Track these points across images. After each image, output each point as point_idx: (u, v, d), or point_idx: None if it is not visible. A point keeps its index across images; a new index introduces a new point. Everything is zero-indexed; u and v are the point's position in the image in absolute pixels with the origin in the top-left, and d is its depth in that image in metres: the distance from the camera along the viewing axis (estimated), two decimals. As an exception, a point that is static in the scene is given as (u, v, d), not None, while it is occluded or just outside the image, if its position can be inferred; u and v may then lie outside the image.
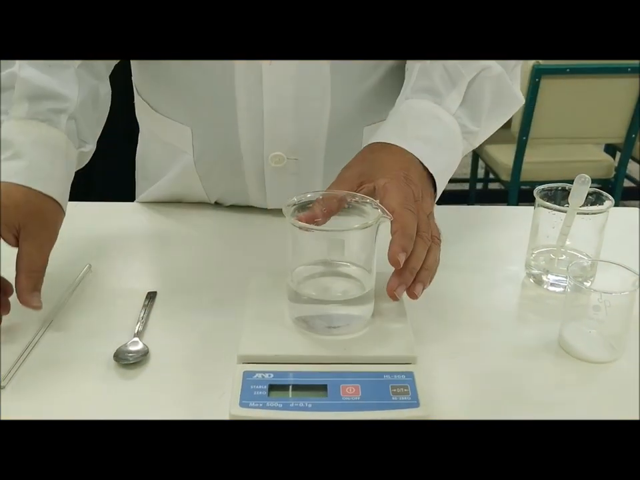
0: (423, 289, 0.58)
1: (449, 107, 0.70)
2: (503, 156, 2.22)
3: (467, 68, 0.71)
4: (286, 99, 0.75)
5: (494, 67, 0.72)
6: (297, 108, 0.76)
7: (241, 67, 0.73)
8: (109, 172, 1.64)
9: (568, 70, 1.92)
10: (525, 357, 0.60)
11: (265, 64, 0.72)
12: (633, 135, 2.11)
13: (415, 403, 0.51)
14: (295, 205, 0.58)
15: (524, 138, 2.05)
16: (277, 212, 0.83)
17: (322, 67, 0.74)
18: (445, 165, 0.67)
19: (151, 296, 0.67)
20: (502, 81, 0.73)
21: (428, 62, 0.72)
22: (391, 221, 0.56)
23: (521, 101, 0.77)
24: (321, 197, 0.59)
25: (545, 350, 0.61)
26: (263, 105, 0.75)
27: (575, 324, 0.60)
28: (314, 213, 0.57)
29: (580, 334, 0.60)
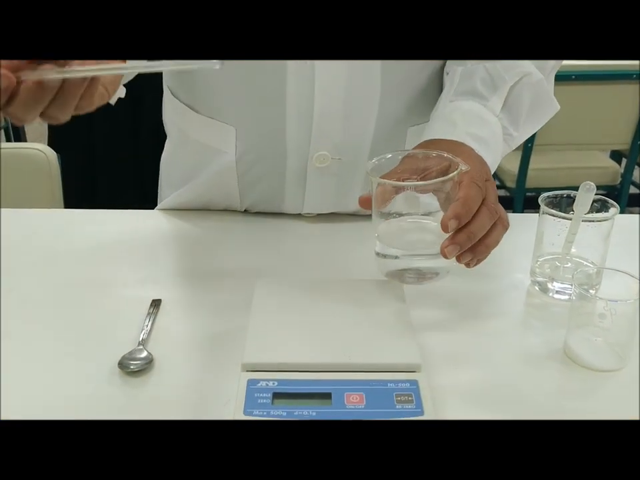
0: (476, 263, 0.60)
1: (492, 108, 0.71)
2: (508, 162, 2.21)
3: (510, 73, 0.72)
4: (337, 98, 0.75)
5: (535, 73, 0.73)
6: (347, 107, 0.76)
7: (293, 66, 0.73)
8: (113, 177, 1.65)
9: (573, 77, 1.92)
10: (530, 365, 0.60)
11: (318, 61, 0.72)
12: (639, 142, 2.10)
13: (419, 411, 0.50)
14: (375, 163, 0.61)
15: (529, 144, 2.05)
16: (299, 217, 0.84)
17: (373, 67, 0.74)
18: (490, 165, 0.68)
19: (156, 304, 0.67)
20: (541, 88, 0.74)
21: (469, 65, 0.74)
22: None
23: (557, 107, 0.78)
24: (400, 158, 0.62)
25: (550, 358, 0.60)
26: (313, 104, 0.75)
27: (581, 332, 0.60)
28: (397, 171, 0.60)
29: (586, 342, 0.60)
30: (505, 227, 0.62)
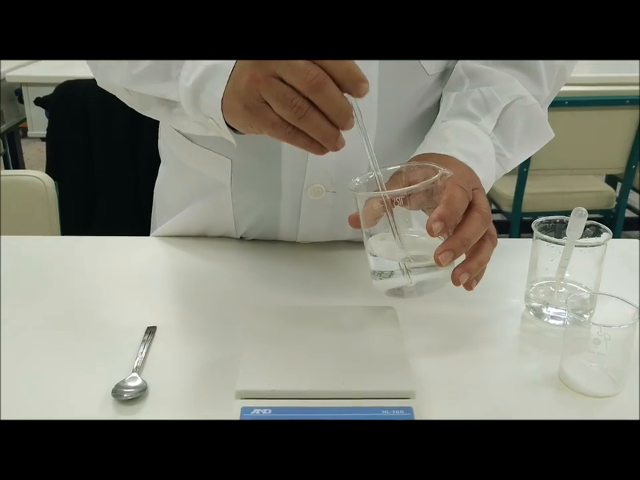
0: (471, 280, 0.59)
1: (484, 127, 0.72)
2: (504, 187, 2.22)
3: (503, 95, 0.73)
4: None
5: (528, 97, 0.74)
6: None
7: None
8: (111, 204, 1.65)
9: (566, 102, 1.94)
10: (525, 390, 0.60)
11: None
12: (633, 166, 2.11)
13: (413, 438, 0.50)
14: (359, 183, 0.61)
15: (524, 169, 2.06)
16: (294, 244, 0.84)
17: (370, 100, 0.74)
18: (482, 182, 0.67)
19: (151, 331, 0.67)
20: (535, 112, 0.75)
21: (464, 89, 0.75)
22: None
23: (551, 134, 0.79)
24: (383, 176, 0.61)
25: (545, 384, 0.60)
26: None
27: (575, 357, 0.60)
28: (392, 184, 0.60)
29: (580, 367, 0.60)
30: (494, 243, 0.61)
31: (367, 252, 0.63)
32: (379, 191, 0.60)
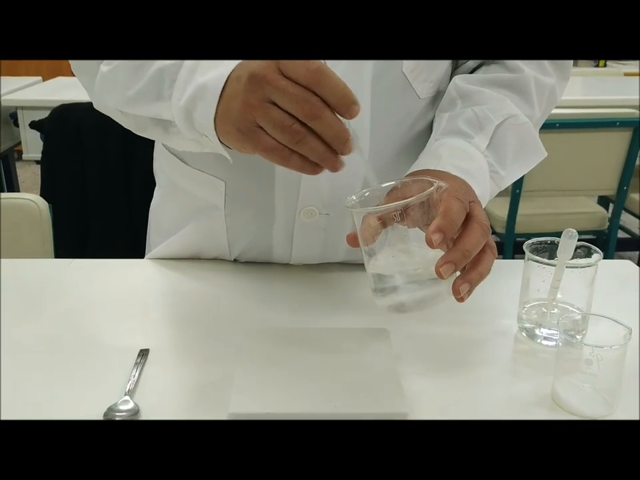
0: (469, 291, 0.58)
1: (478, 145, 0.73)
2: (497, 208, 2.24)
3: (496, 113, 0.74)
4: None
5: (520, 115, 0.75)
6: None
7: None
8: (105, 228, 1.66)
9: (557, 125, 1.96)
10: (518, 411, 0.60)
11: None
12: (625, 187, 2.13)
13: (407, 461, 0.50)
14: (355, 201, 0.61)
15: (517, 190, 2.08)
16: (288, 266, 0.85)
17: (362, 124, 0.75)
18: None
19: (143, 353, 0.67)
20: (527, 130, 0.76)
21: (457, 109, 0.76)
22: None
23: (544, 153, 0.79)
24: (378, 194, 0.61)
25: (538, 404, 0.60)
26: None
27: (568, 378, 0.60)
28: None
29: (573, 388, 0.60)
30: (495, 254, 0.61)
31: (367, 270, 0.62)
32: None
